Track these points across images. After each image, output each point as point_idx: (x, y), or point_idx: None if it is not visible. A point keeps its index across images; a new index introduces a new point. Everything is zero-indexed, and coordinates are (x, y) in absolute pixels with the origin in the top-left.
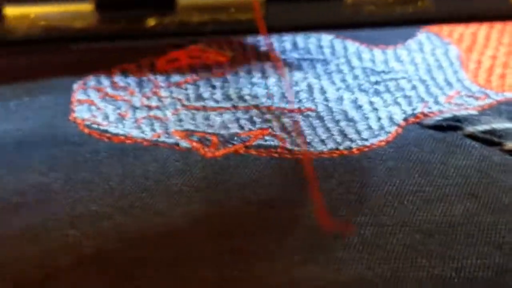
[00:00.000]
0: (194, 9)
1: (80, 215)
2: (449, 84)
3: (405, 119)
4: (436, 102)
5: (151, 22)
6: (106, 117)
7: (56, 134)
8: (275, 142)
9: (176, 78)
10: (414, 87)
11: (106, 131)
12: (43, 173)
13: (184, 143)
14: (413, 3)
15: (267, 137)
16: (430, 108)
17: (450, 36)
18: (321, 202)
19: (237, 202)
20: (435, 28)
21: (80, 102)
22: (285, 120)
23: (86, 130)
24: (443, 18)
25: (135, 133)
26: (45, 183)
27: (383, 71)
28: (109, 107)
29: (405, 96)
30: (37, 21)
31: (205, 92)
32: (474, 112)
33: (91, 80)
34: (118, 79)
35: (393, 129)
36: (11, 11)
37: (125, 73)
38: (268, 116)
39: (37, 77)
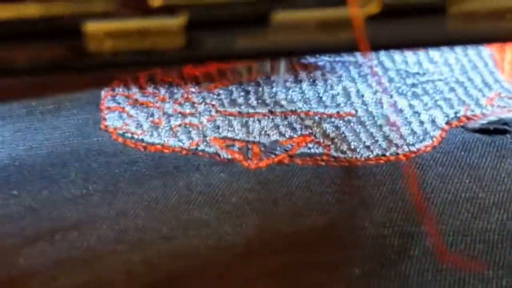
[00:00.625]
0: (288, 26)
1: (126, 229)
2: (487, 85)
3: (448, 123)
4: (478, 105)
5: (241, 42)
6: (139, 125)
7: (89, 143)
8: (319, 150)
9: (206, 82)
10: (452, 89)
11: (141, 140)
12: (81, 185)
13: (225, 154)
14: None
15: (310, 145)
16: (472, 111)
17: None
18: (436, 234)
19: (290, 214)
20: None
21: (110, 109)
22: (326, 125)
23: (120, 139)
24: None
25: (172, 141)
26: (85, 196)
27: (418, 73)
28: (141, 115)
29: (445, 99)
30: (117, 40)
31: (239, 97)
32: None
33: (119, 87)
34: (147, 85)
35: (437, 133)
36: (92, 27)
37: (152, 78)
38: (308, 122)
39: (60, 86)
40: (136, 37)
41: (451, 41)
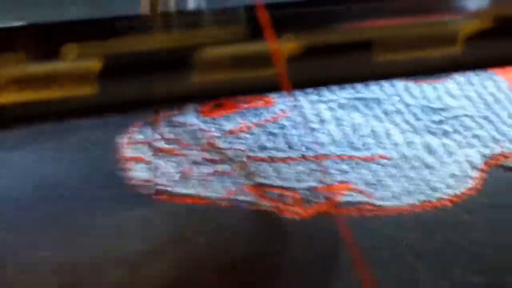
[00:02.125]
0: (212, 67)
1: None
2: None
3: (485, 162)
4: (511, 141)
5: (163, 88)
6: (170, 176)
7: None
8: (362, 198)
9: (227, 125)
10: (480, 125)
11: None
12: None
13: (265, 202)
14: (443, 48)
15: (353, 193)
16: (508, 148)
17: None
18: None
19: None
20: None
21: (136, 160)
22: (363, 171)
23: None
24: (476, 64)
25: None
26: None
27: (441, 109)
28: (169, 165)
29: (475, 136)
30: (24, 90)
31: (267, 141)
32: None
33: (138, 134)
34: (166, 130)
35: (477, 174)
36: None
37: (170, 122)
38: (344, 167)
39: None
40: (45, 85)
41: (377, 76)
